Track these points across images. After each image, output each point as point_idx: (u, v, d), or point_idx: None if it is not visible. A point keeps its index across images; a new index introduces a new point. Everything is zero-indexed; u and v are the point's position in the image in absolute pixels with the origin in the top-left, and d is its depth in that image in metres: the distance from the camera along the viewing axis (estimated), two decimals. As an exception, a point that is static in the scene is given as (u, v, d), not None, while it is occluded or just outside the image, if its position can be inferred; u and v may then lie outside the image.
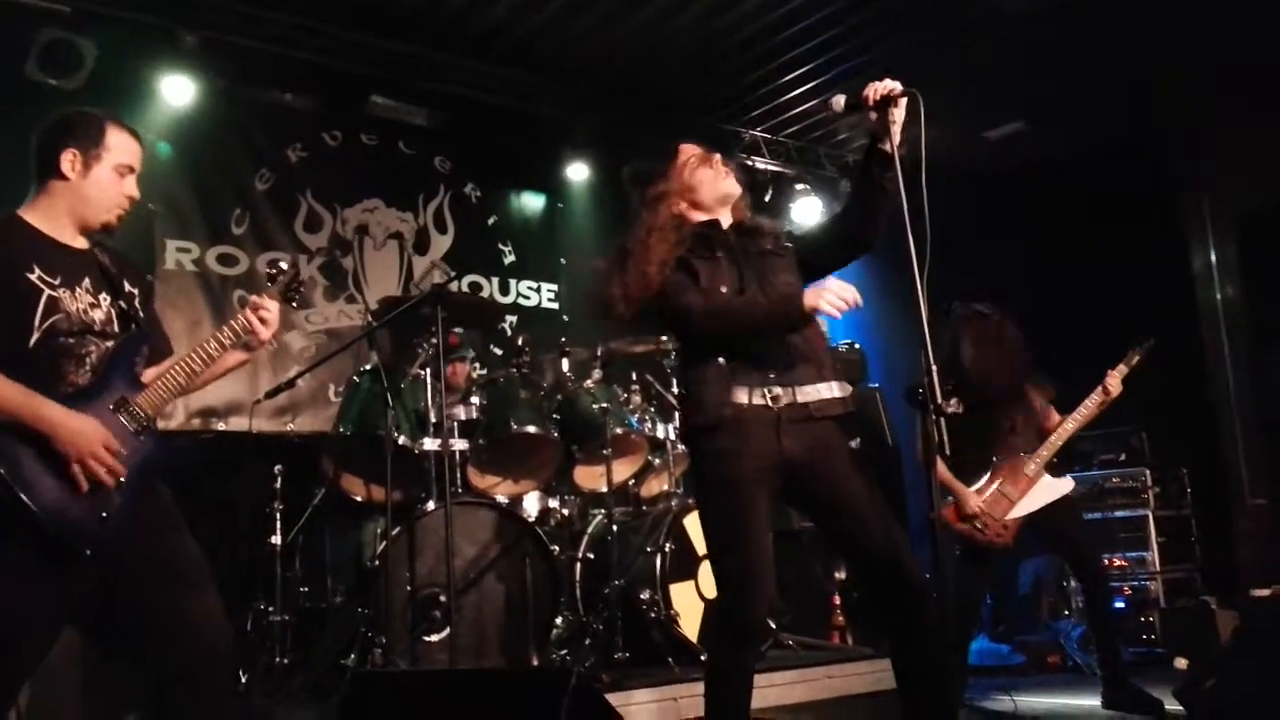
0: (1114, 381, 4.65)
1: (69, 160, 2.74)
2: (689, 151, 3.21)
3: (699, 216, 3.13)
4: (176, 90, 5.89)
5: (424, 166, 7.07)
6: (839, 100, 2.93)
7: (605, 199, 7.62)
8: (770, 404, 2.89)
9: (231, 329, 2.86)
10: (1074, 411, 4.65)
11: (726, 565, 2.93)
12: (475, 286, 7.05)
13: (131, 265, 2.98)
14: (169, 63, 5.81)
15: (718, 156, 3.20)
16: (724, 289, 2.96)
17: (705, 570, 4.98)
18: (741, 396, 2.89)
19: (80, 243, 2.81)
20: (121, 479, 2.61)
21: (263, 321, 2.89)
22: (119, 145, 2.81)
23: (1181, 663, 5.69)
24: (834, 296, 2.81)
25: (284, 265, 3.14)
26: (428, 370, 4.86)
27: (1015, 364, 4.68)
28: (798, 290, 2.92)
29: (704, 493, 3.03)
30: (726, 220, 3.16)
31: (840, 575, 6.04)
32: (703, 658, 4.62)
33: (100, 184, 2.77)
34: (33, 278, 2.64)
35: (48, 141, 2.76)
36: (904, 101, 2.80)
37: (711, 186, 3.14)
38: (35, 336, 2.62)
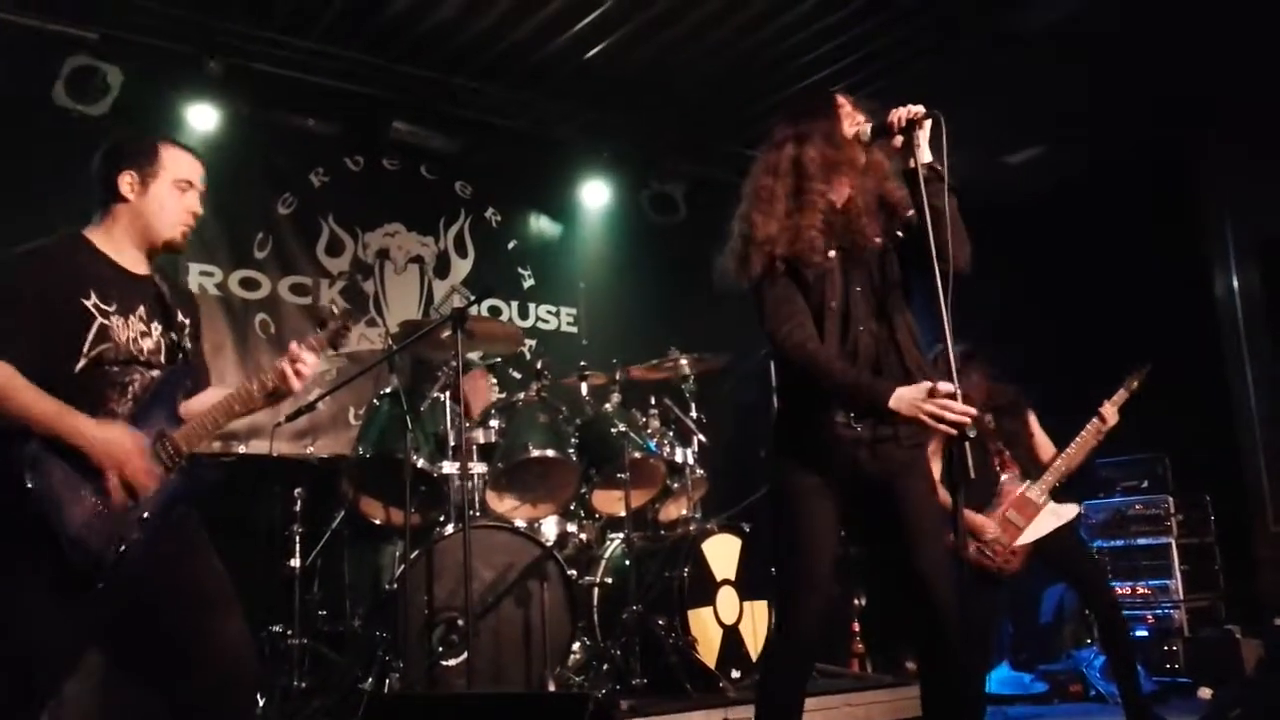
0: (1110, 411, 4.65)
1: (128, 182, 2.77)
2: (845, 103, 2.99)
3: (827, 189, 2.91)
4: (200, 116, 5.97)
5: (445, 191, 7.11)
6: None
7: (624, 222, 7.66)
8: (858, 427, 2.84)
9: (269, 375, 2.85)
10: (1070, 444, 4.65)
11: (781, 575, 2.96)
12: (495, 310, 7.07)
13: (186, 296, 3.01)
14: (193, 89, 5.89)
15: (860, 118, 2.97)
16: (833, 304, 2.86)
17: (723, 596, 4.97)
18: (834, 415, 2.85)
19: (141, 269, 2.83)
20: (145, 514, 2.61)
21: (298, 374, 2.88)
22: (174, 161, 2.83)
23: (1206, 692, 5.63)
24: (935, 408, 2.62)
25: (335, 310, 3.09)
26: (447, 393, 4.88)
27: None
28: (887, 389, 2.72)
29: (776, 503, 3.00)
30: (847, 194, 2.96)
31: (860, 602, 6.00)
32: (720, 684, 4.62)
33: (160, 200, 2.79)
34: (88, 304, 2.66)
35: (105, 168, 2.79)
36: (928, 124, 2.78)
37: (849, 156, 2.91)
38: (81, 363, 2.64)
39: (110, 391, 2.67)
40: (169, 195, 2.80)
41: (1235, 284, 7.21)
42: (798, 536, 2.88)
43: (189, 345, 2.87)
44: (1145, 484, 6.68)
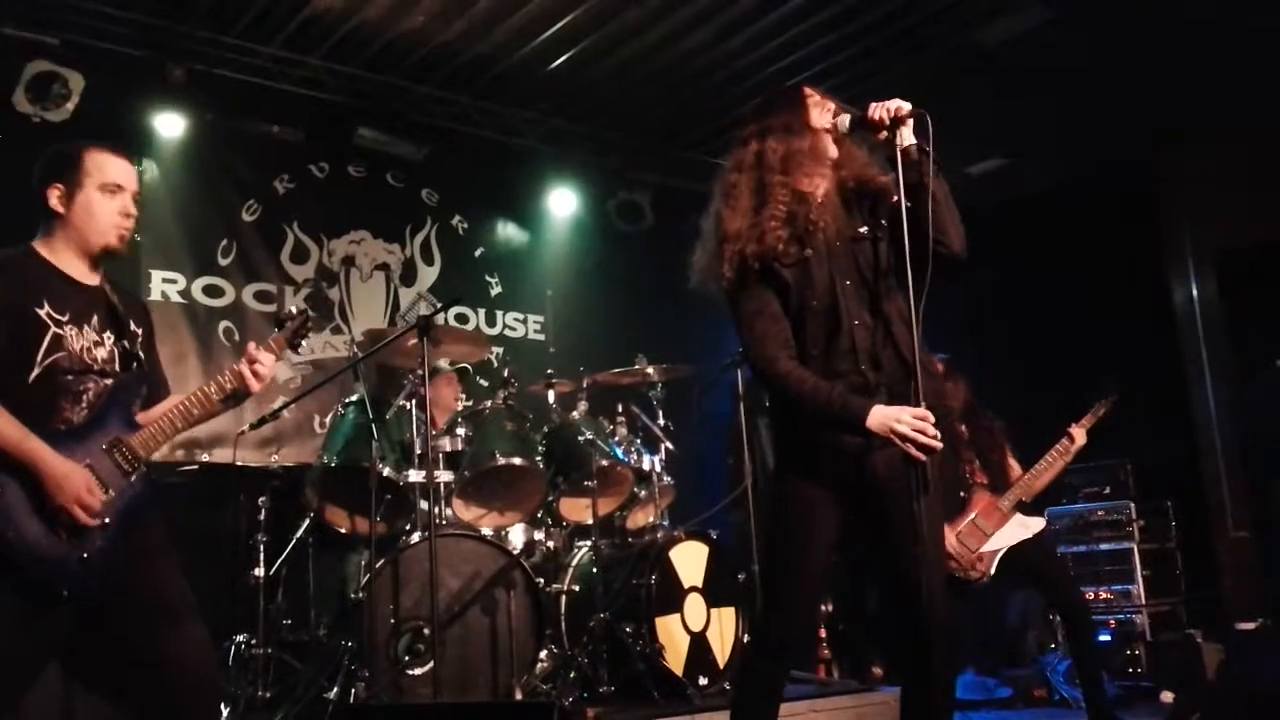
0: (1079, 433, 4.75)
1: (55, 197, 2.75)
2: (814, 93, 2.92)
3: (795, 184, 2.83)
4: (164, 123, 5.94)
5: (411, 198, 7.08)
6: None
7: (592, 231, 7.67)
8: (860, 435, 2.74)
9: (227, 377, 2.84)
10: (1039, 462, 4.73)
11: (769, 580, 2.92)
12: (462, 318, 7.05)
13: (138, 305, 2.98)
14: (156, 95, 5.85)
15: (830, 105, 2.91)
16: (814, 302, 2.78)
17: (691, 603, 4.97)
18: (833, 427, 2.77)
19: (91, 279, 2.81)
20: (106, 520, 2.59)
21: (256, 375, 2.86)
22: (99, 167, 2.79)
23: (1168, 696, 5.68)
24: (908, 429, 2.59)
25: (294, 310, 3.08)
26: (413, 401, 4.85)
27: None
28: (864, 409, 2.66)
29: (768, 507, 2.94)
30: (822, 186, 2.87)
31: (826, 608, 6.02)
32: (688, 691, 4.62)
33: (88, 209, 2.76)
34: (41, 314, 2.65)
35: (36, 185, 2.78)
36: (912, 121, 2.72)
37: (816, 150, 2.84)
38: (35, 372, 2.63)
39: (64, 400, 2.66)
40: (96, 202, 2.76)
41: (1194, 293, 7.31)
42: (794, 549, 2.84)
43: (142, 354, 2.85)
44: (1107, 490, 6.74)
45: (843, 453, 2.78)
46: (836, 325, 2.79)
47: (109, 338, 2.79)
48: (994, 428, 4.84)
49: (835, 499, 2.82)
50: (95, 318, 2.77)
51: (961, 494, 4.64)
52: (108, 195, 2.78)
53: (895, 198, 2.80)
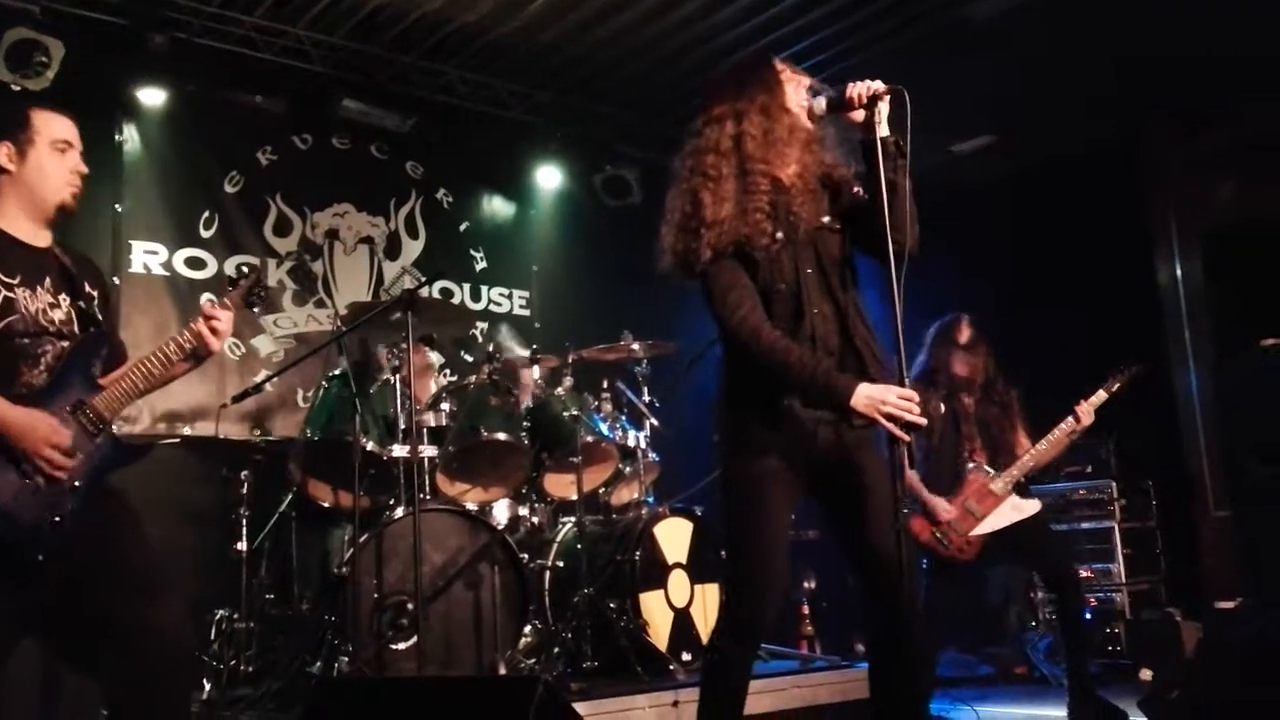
0: (1086, 411, 4.60)
1: (5, 154, 2.74)
2: (785, 68, 2.89)
3: (774, 171, 2.81)
4: (145, 92, 5.87)
5: (396, 171, 7.03)
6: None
7: (578, 205, 7.63)
8: (812, 409, 2.77)
9: (185, 337, 2.82)
10: (1043, 437, 4.63)
11: (736, 561, 2.91)
12: (446, 292, 7.02)
13: (91, 267, 2.96)
14: (138, 65, 5.78)
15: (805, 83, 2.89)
16: (781, 286, 2.79)
17: (674, 579, 4.98)
18: (790, 397, 2.77)
19: (42, 240, 2.80)
20: (76, 483, 2.58)
21: (214, 332, 2.84)
22: (47, 124, 2.80)
23: (1146, 674, 5.73)
24: (894, 409, 2.59)
25: (246, 269, 3.08)
26: (397, 376, 4.84)
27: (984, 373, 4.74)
28: (849, 387, 2.66)
29: (726, 486, 2.92)
30: (795, 169, 2.84)
31: (809, 584, 6.04)
32: (671, 666, 4.64)
33: (40, 167, 2.76)
34: None
35: None
36: (888, 99, 2.71)
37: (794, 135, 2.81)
38: None
39: (22, 363, 2.65)
40: (48, 159, 2.77)
41: (1179, 273, 7.33)
42: (755, 524, 2.82)
43: (99, 315, 2.83)
44: (1089, 468, 6.76)
45: (801, 425, 2.78)
46: (800, 311, 2.79)
47: (64, 299, 2.78)
48: (1009, 400, 4.78)
49: (787, 474, 2.82)
50: (48, 279, 2.76)
51: (956, 474, 4.61)
52: (58, 153, 2.78)
53: (856, 189, 2.85)
